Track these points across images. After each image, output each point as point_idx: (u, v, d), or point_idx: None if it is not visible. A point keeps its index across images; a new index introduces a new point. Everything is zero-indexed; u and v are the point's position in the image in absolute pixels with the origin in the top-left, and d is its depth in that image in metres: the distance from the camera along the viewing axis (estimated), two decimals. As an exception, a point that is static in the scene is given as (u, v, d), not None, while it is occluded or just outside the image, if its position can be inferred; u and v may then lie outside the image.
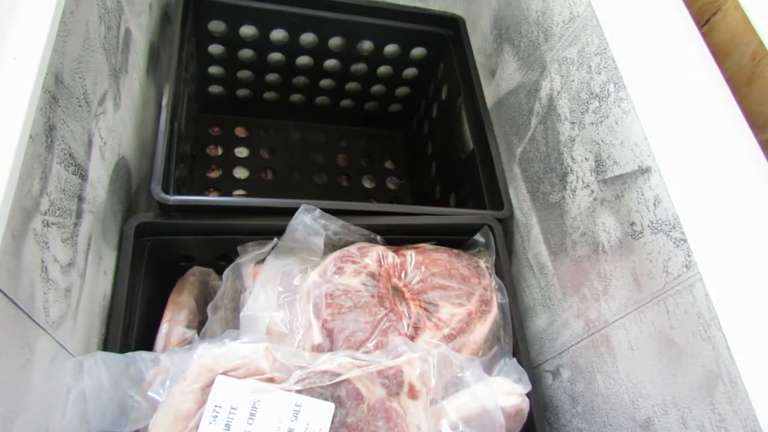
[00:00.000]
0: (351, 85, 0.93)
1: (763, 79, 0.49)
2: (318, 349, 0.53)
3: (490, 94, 0.78)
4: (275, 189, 0.91)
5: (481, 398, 0.51)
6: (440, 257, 0.64)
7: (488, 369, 0.57)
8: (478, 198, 0.75)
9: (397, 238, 0.60)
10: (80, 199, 0.49)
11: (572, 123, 0.58)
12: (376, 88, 0.94)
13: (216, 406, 0.46)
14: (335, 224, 0.60)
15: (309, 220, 0.59)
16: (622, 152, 0.50)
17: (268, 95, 0.92)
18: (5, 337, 0.36)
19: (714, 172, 0.43)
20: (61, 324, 0.44)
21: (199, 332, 0.59)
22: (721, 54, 0.50)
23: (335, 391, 0.48)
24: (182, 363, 0.48)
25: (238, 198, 0.84)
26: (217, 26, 0.79)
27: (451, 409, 0.50)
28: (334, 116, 0.98)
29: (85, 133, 0.50)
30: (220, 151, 0.92)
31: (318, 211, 0.59)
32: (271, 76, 0.88)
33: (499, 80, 0.76)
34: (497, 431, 0.50)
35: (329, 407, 0.47)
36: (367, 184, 0.97)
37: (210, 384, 0.47)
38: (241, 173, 0.90)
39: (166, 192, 0.58)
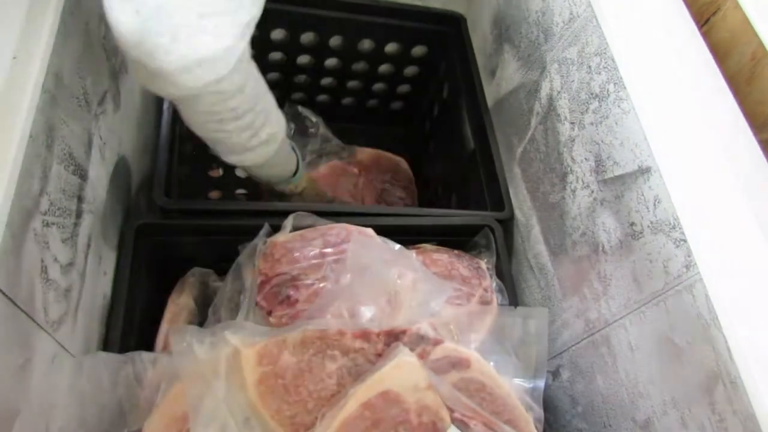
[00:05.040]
0: (352, 84, 0.93)
1: (762, 78, 0.49)
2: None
3: (490, 94, 0.78)
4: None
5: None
6: (441, 258, 0.64)
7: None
8: (479, 198, 0.75)
9: (399, 238, 0.60)
10: (80, 199, 0.49)
11: (572, 123, 0.58)
12: (378, 86, 0.94)
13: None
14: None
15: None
16: (622, 152, 0.50)
17: (269, 94, 0.92)
18: (5, 337, 0.36)
19: (714, 172, 0.43)
20: (61, 324, 0.44)
21: (198, 332, 0.59)
22: (720, 54, 0.50)
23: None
24: (184, 360, 0.48)
25: (238, 202, 0.84)
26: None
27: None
28: (335, 114, 0.98)
29: (85, 132, 0.50)
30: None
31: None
32: (272, 75, 0.88)
33: (499, 80, 0.76)
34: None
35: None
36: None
37: (209, 384, 0.47)
38: (242, 172, 0.90)
39: (169, 196, 0.58)
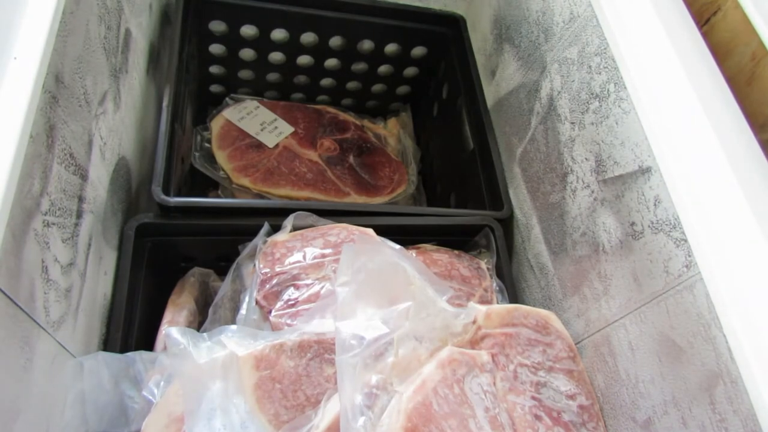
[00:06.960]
0: (351, 84, 0.93)
1: (763, 78, 0.49)
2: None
3: (490, 94, 0.78)
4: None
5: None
6: (441, 258, 0.64)
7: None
8: (477, 198, 0.75)
9: (399, 238, 0.60)
10: (80, 199, 0.49)
11: (572, 123, 0.58)
12: (377, 87, 0.95)
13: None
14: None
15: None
16: (622, 152, 0.50)
17: (269, 94, 0.92)
18: (6, 337, 0.36)
19: (714, 172, 0.43)
20: (62, 324, 0.44)
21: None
22: (721, 54, 0.50)
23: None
24: (181, 364, 0.48)
25: (238, 200, 0.84)
26: (217, 26, 0.79)
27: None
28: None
29: (86, 133, 0.50)
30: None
31: None
32: (272, 76, 0.88)
33: (499, 80, 0.76)
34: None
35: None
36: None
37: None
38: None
39: (167, 193, 0.58)
